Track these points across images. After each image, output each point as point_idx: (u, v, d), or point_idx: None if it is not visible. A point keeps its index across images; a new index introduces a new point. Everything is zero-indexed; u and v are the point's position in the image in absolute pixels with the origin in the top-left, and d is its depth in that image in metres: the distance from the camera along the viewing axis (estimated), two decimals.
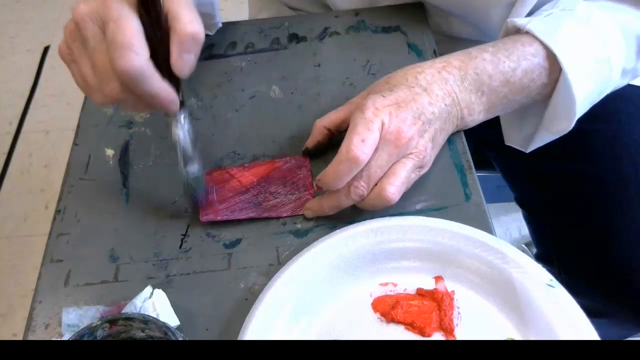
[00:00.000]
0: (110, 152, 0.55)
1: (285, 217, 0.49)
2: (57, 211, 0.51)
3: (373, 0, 0.65)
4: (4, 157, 1.58)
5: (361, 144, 0.42)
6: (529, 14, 0.55)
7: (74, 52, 0.40)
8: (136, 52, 0.37)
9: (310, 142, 0.51)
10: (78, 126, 0.58)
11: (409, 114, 0.45)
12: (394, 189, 0.44)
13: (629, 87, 0.64)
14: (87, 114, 0.59)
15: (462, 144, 0.52)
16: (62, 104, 1.68)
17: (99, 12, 0.38)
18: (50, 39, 1.86)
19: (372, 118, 0.43)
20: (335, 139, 0.51)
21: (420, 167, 0.47)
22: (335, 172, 0.44)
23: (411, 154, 0.45)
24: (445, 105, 0.47)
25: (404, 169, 0.45)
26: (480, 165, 0.56)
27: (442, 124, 0.47)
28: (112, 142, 0.56)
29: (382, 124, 0.43)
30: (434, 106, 0.46)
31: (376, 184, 0.45)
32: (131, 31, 0.37)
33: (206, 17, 0.54)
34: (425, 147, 0.46)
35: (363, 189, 0.44)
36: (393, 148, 0.44)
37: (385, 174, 0.45)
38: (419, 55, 0.60)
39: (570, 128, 0.51)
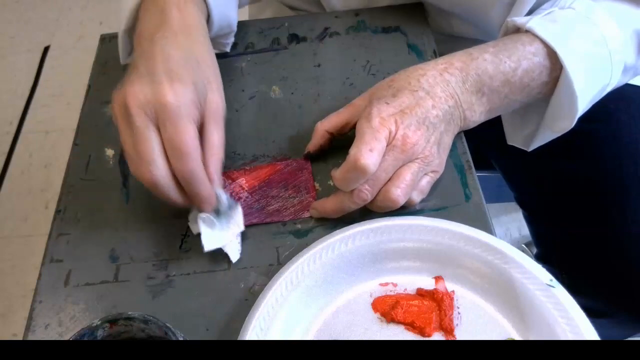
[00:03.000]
0: (110, 152, 0.55)
1: (288, 220, 0.49)
2: (57, 211, 0.51)
3: (372, 1, 0.65)
4: (4, 157, 1.58)
5: (369, 154, 0.42)
6: (529, 13, 0.55)
7: (119, 125, 0.42)
8: (193, 158, 0.40)
9: (312, 146, 0.51)
10: (78, 126, 0.58)
11: (413, 120, 0.45)
12: (399, 192, 0.45)
13: (630, 87, 0.64)
14: (87, 114, 0.59)
15: (462, 144, 0.52)
16: (62, 104, 1.68)
17: (155, 107, 0.40)
18: (50, 39, 1.87)
19: (379, 128, 0.44)
20: (336, 141, 0.51)
21: (433, 171, 0.47)
22: (343, 179, 0.44)
23: (417, 159, 0.45)
24: (449, 107, 0.47)
25: (409, 172, 0.45)
26: (480, 165, 0.56)
27: (446, 126, 0.47)
28: (112, 142, 0.56)
29: (389, 132, 0.44)
30: (437, 109, 0.46)
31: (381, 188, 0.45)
32: (190, 138, 0.40)
33: (221, 39, 0.59)
34: (431, 152, 0.46)
35: (367, 192, 0.45)
36: (399, 153, 0.44)
37: (390, 178, 0.45)
38: (419, 55, 0.60)
39: (572, 126, 0.51)
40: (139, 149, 0.41)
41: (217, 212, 0.46)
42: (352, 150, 0.43)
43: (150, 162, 0.40)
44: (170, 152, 0.41)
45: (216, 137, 0.43)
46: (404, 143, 0.44)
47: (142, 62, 0.42)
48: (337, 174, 0.44)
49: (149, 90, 0.40)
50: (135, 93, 0.40)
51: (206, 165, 0.43)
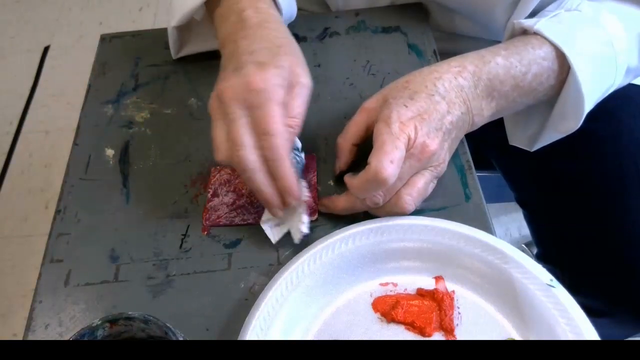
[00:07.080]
0: (110, 152, 0.55)
1: None
2: (57, 211, 0.51)
3: (373, 0, 0.65)
4: (4, 157, 1.58)
5: (390, 165, 0.42)
6: (533, 13, 0.55)
7: (214, 119, 0.45)
8: (277, 136, 0.43)
9: (343, 164, 0.50)
10: (78, 126, 0.58)
11: (432, 127, 0.45)
12: (410, 200, 0.45)
13: (630, 86, 0.64)
14: (87, 114, 0.59)
15: (462, 144, 0.52)
16: (62, 104, 1.68)
17: (245, 95, 0.44)
18: (50, 39, 1.87)
19: (398, 134, 0.43)
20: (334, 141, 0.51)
21: (437, 176, 0.47)
22: (360, 186, 0.44)
23: (432, 166, 0.46)
24: (462, 113, 0.47)
25: (423, 181, 0.45)
26: (480, 165, 0.56)
27: (458, 132, 0.47)
28: (112, 142, 0.56)
29: (409, 139, 0.44)
30: (452, 115, 0.46)
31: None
32: (275, 118, 0.43)
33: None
34: (444, 159, 0.46)
35: (380, 197, 0.45)
36: (416, 161, 0.44)
37: (403, 184, 0.45)
38: (419, 55, 0.60)
39: (578, 126, 0.51)
40: (232, 135, 0.43)
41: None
42: (373, 162, 0.43)
43: (240, 145, 0.43)
44: (258, 134, 0.43)
45: (296, 106, 0.45)
46: (422, 151, 0.44)
47: (231, 62, 0.46)
48: (355, 182, 0.44)
49: (239, 82, 0.44)
50: (228, 87, 0.44)
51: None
